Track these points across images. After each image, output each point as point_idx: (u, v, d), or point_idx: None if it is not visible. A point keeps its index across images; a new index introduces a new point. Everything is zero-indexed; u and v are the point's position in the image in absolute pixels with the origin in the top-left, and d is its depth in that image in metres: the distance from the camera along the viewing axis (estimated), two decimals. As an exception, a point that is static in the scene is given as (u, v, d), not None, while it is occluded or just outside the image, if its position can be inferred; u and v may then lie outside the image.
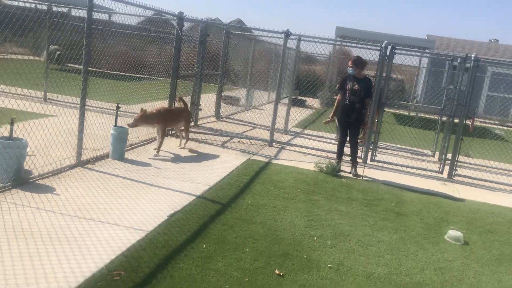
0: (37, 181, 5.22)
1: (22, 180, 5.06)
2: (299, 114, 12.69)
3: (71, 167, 5.86)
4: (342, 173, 7.66)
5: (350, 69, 7.62)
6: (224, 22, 29.58)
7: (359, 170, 7.85)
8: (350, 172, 7.72)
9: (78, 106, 6.15)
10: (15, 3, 13.38)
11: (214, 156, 7.67)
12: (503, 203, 7.25)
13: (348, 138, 7.77)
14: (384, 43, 8.40)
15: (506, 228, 6.06)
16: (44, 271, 3.35)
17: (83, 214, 4.47)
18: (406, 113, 17.95)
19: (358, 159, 7.89)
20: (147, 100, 9.48)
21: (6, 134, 5.19)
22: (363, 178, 7.62)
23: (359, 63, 7.63)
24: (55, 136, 6.23)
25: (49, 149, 6.01)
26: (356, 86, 7.54)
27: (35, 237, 3.86)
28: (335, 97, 18.48)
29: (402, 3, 78.63)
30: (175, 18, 8.41)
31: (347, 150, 7.88)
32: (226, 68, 11.55)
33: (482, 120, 20.07)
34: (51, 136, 6.03)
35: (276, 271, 3.93)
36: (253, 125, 11.38)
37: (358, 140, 8.11)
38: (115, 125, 6.64)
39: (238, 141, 9.10)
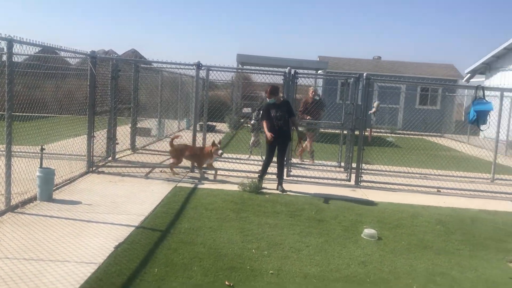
0: (-30, 231, 5.14)
1: (-46, 232, 4.96)
2: (212, 139, 13.16)
3: (1, 213, 5.80)
4: (264, 190, 8.27)
5: (270, 99, 8.33)
6: (118, 53, 29.48)
7: (275, 185, 8.51)
8: (277, 189, 8.35)
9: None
10: None
11: (141, 188, 7.89)
12: (404, 201, 8.31)
13: (275, 158, 8.47)
14: (287, 69, 9.25)
15: (410, 222, 7.02)
16: (10, 313, 3.47)
17: (31, 256, 4.55)
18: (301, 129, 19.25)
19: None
20: (66, 138, 9.43)
21: None
22: (283, 193, 8.29)
23: (276, 91, 8.40)
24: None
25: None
26: (279, 112, 8.26)
27: (-11, 283, 3.92)
28: (242, 120, 19.25)
29: (291, 25, 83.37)
30: (88, 57, 8.55)
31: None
32: (137, 100, 11.76)
33: (375, 130, 22.12)
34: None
35: (226, 282, 4.36)
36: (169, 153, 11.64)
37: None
38: (41, 167, 6.64)
39: (161, 171, 9.37)
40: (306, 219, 6.74)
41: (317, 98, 11.76)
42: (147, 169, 9.44)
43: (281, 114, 8.31)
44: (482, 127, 9.15)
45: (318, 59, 26.13)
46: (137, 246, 5.09)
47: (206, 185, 8.39)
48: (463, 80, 25.58)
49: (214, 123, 17.80)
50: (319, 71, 21.96)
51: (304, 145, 11.70)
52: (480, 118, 8.91)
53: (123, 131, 11.58)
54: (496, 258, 5.68)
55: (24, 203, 6.32)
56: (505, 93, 11.57)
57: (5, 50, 5.78)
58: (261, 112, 8.64)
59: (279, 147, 8.44)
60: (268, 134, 8.23)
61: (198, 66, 9.34)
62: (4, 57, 5.89)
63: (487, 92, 9.69)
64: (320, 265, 5.02)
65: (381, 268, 5.08)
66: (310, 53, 75.93)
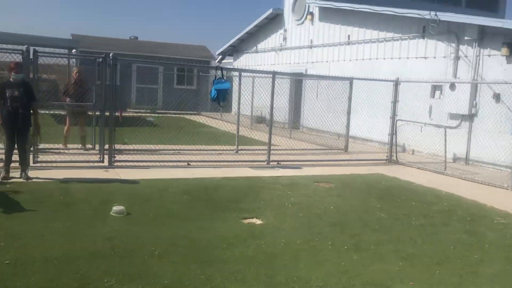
0: None
1: None
2: None
3: None
4: (11, 180, 7.59)
5: (16, 74, 7.54)
6: None
7: (16, 173, 7.91)
8: (20, 177, 7.72)
9: None
10: None
11: None
12: (156, 176, 8.73)
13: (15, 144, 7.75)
14: (25, 47, 8.55)
15: (159, 195, 7.44)
16: None
17: None
18: (63, 112, 18.16)
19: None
20: None
21: None
22: (28, 180, 7.75)
23: (20, 67, 7.67)
24: None
25: None
26: (16, 92, 7.53)
27: None
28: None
29: (42, 3, 76.24)
30: None
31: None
32: None
33: (136, 110, 22.25)
34: None
35: (-51, 283, 3.94)
36: None
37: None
38: None
39: None
40: (53, 205, 6.50)
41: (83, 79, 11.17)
42: None
43: (18, 95, 7.65)
44: (222, 104, 10.18)
45: (71, 37, 24.71)
46: None
47: None
48: (216, 62, 27.77)
49: None
50: (73, 51, 20.82)
51: (66, 129, 11.07)
52: (220, 95, 9.90)
53: None
54: (232, 217, 6.52)
55: None
56: (243, 74, 13.12)
57: None
58: None
59: (18, 132, 7.78)
60: None
61: None
62: None
63: (232, 73, 10.82)
64: (64, 247, 4.95)
65: (127, 240, 5.30)
66: (65, 32, 71.00)
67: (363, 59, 16.22)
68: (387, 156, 12.47)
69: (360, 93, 13.71)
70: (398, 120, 12.46)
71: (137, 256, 4.87)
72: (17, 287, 3.99)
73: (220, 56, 27.24)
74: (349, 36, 16.87)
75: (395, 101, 12.39)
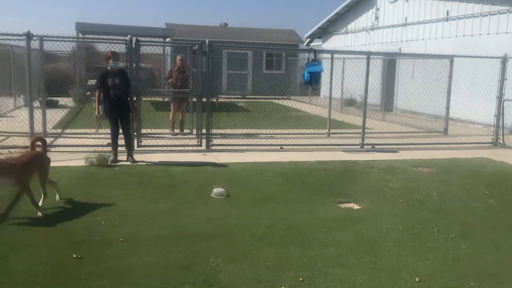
0: None
1: None
2: (55, 115, 12.41)
3: None
4: (119, 163, 8.12)
5: (114, 62, 8.01)
6: None
7: (123, 157, 8.40)
8: (127, 160, 8.22)
9: None
10: None
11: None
12: (252, 160, 8.87)
13: (120, 129, 8.26)
14: (129, 37, 9.02)
15: (256, 178, 7.56)
16: None
17: None
18: (160, 99, 19.06)
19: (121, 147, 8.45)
20: None
21: None
22: (134, 163, 8.23)
23: (116, 56, 8.12)
24: None
25: None
26: (117, 80, 7.99)
27: None
28: (88, 93, 18.35)
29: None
30: None
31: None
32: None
33: (227, 96, 22.77)
34: None
35: (74, 255, 4.30)
36: (5, 134, 10.68)
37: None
38: None
39: (-3, 152, 8.58)
40: (157, 187, 6.84)
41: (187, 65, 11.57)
42: (-20, 152, 8.57)
43: (118, 83, 8.05)
44: (315, 86, 10.05)
45: (165, 27, 25.72)
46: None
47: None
48: (304, 45, 27.50)
49: (56, 98, 16.62)
50: (167, 39, 21.70)
51: (171, 115, 11.60)
52: (313, 78, 9.78)
53: None
54: (329, 201, 6.44)
55: None
56: (335, 55, 12.82)
57: None
58: (96, 79, 8.27)
59: (121, 118, 8.25)
60: (96, 112, 8.17)
61: (29, 36, 8.61)
62: None
63: (322, 55, 10.65)
64: (170, 227, 5.19)
65: (228, 222, 5.44)
66: (157, 21, 74.19)
67: (463, 36, 15.15)
68: (492, 139, 11.61)
69: (460, 72, 12.86)
70: (506, 100, 11.51)
71: (238, 238, 4.98)
72: (133, 262, 4.25)
73: (308, 39, 26.90)
74: (447, 12, 15.82)
75: (502, 80, 11.45)
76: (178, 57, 11.71)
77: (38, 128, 10.13)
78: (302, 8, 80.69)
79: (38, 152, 5.83)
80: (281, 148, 10.15)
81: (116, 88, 8.00)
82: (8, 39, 12.85)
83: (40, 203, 5.47)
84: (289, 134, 11.73)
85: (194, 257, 4.41)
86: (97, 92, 8.14)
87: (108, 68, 8.10)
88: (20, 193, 5.24)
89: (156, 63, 22.66)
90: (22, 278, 3.84)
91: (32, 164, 5.51)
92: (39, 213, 5.34)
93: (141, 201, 6.08)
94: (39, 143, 5.93)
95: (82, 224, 5.15)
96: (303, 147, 10.34)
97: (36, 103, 15.17)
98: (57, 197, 5.91)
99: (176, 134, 11.50)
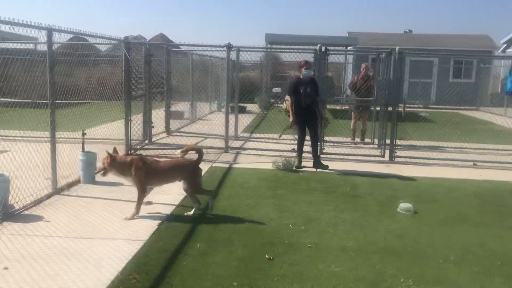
0: (22, 212, 5.46)
1: (8, 214, 5.28)
2: (243, 120, 13.36)
3: (49, 195, 6.11)
4: (303, 169, 8.36)
5: (307, 71, 8.32)
6: (147, 38, 29.87)
7: (307, 163, 8.56)
8: (313, 167, 8.41)
9: (28, 139, 6.39)
10: None
11: (178, 169, 8.09)
12: (440, 175, 8.27)
13: (307, 136, 8.50)
14: (318, 46, 9.22)
15: (446, 195, 7.01)
16: (68, 287, 3.72)
17: (80, 234, 4.82)
18: (339, 107, 19.13)
19: (306, 154, 8.64)
20: (103, 123, 9.76)
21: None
22: (317, 170, 8.36)
23: (310, 65, 8.40)
24: (20, 169, 6.39)
25: (23, 182, 6.20)
26: (309, 89, 8.25)
27: (45, 259, 4.19)
28: (272, 100, 19.30)
29: (320, 2, 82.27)
30: (122, 43, 8.75)
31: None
32: (170, 84, 11.98)
33: (408, 105, 21.77)
34: (16, 170, 6.21)
35: (266, 256, 4.51)
36: (203, 135, 11.87)
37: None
38: (83, 151, 6.93)
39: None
40: (341, 195, 6.81)
41: (370, 74, 11.51)
42: (183, 151, 9.65)
43: (310, 92, 8.26)
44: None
45: (347, 35, 25.74)
46: (178, 223, 5.30)
47: (241, 165, 8.54)
48: (499, 51, 24.84)
49: (244, 104, 17.92)
50: (349, 47, 21.69)
51: (352, 123, 11.65)
52: (517, 88, 8.70)
53: (158, 115, 11.85)
54: (536, 230, 5.62)
55: (69, 185, 6.63)
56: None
57: (45, 39, 6.00)
58: (288, 87, 8.57)
59: (309, 125, 8.44)
60: (291, 118, 8.37)
61: (229, 47, 9.43)
62: (41, 47, 6.12)
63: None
64: (356, 239, 5.11)
65: (418, 240, 5.13)
66: (339, 30, 74.79)
67: None
68: None
69: None
70: None
71: (430, 258, 4.65)
72: (321, 270, 4.28)
73: (505, 45, 24.21)
74: None
75: None
76: (363, 65, 11.58)
77: (231, 132, 11.03)
78: (497, 12, 73.00)
79: (185, 161, 5.85)
80: (474, 164, 9.25)
81: (307, 96, 8.23)
82: (207, 50, 14.32)
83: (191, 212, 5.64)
84: (483, 149, 10.63)
85: (382, 274, 4.25)
86: (290, 99, 8.43)
87: (300, 76, 8.36)
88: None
89: (334, 71, 22.88)
90: (220, 270, 4.16)
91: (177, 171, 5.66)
92: (188, 213, 5.59)
93: (326, 209, 6.12)
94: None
95: (271, 225, 5.39)
96: (501, 164, 9.27)
97: (224, 109, 16.55)
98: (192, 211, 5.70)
99: (357, 143, 11.37)
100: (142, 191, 5.47)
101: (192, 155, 5.91)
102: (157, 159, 6.00)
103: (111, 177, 5.96)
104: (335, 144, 10.88)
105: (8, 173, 5.56)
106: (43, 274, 3.92)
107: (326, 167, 8.38)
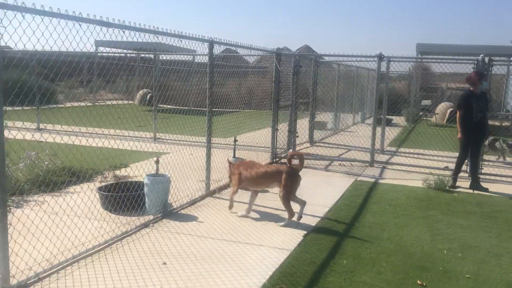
0: (179, 211, 5.88)
1: (168, 212, 5.72)
2: (389, 133, 12.81)
3: (202, 197, 6.51)
4: (458, 189, 7.71)
5: (484, 83, 7.69)
6: (292, 50, 30.58)
7: (461, 183, 7.83)
8: (470, 188, 7.70)
9: (185, 143, 6.81)
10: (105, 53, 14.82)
11: (323, 180, 8.04)
12: None
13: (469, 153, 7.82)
14: (481, 56, 8.44)
15: None
16: None
17: (230, 238, 5.01)
18: (497, 123, 17.33)
19: (461, 173, 7.91)
20: (251, 131, 10.14)
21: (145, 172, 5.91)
22: (474, 191, 7.62)
23: (483, 77, 7.74)
24: (178, 170, 6.91)
25: (179, 183, 6.71)
26: (481, 103, 7.57)
27: (198, 259, 4.43)
28: (421, 113, 18.29)
29: (480, 10, 76.05)
30: (274, 54, 9.02)
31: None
32: (316, 95, 12.02)
33: None
34: (174, 171, 6.72)
35: (418, 282, 4.18)
36: (347, 147, 11.66)
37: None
38: (234, 157, 7.25)
39: (339, 164, 9.43)
40: (504, 222, 6.09)
41: None
42: (326, 162, 9.59)
43: (482, 106, 7.55)
44: None
45: (511, 44, 23.29)
46: (323, 236, 5.22)
47: (387, 180, 8.17)
48: None
49: (390, 117, 17.23)
50: (512, 58, 19.58)
51: None
52: None
53: (301, 125, 11.97)
54: None
55: (221, 189, 6.98)
56: None
57: (207, 51, 6.43)
58: (459, 100, 7.90)
59: (475, 142, 7.70)
60: (459, 134, 7.67)
61: (380, 57, 9.12)
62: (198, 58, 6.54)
63: None
64: (525, 274, 4.49)
65: None
66: (502, 38, 68.33)
67: None
68: None
69: None
70: None
71: None
72: (482, 305, 3.84)
73: None
74: None
75: None
76: None
77: (377, 145, 10.66)
78: None
79: (283, 167, 5.84)
80: None
81: (480, 111, 7.55)
82: (354, 61, 14.10)
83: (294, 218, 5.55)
84: None
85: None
86: (458, 113, 7.79)
87: (471, 89, 7.69)
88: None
89: (493, 83, 20.80)
90: (368, 291, 3.97)
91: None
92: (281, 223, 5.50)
93: (485, 236, 5.51)
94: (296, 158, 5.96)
95: (423, 249, 5.01)
96: None
97: (369, 121, 16.12)
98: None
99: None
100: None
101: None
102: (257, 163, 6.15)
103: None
104: (495, 164, 9.84)
105: (169, 173, 6.03)
106: (197, 273, 4.14)
107: (485, 189, 7.59)
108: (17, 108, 5.12)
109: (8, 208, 3.90)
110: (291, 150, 9.47)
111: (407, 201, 6.84)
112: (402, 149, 11.63)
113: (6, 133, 3.49)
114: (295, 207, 5.61)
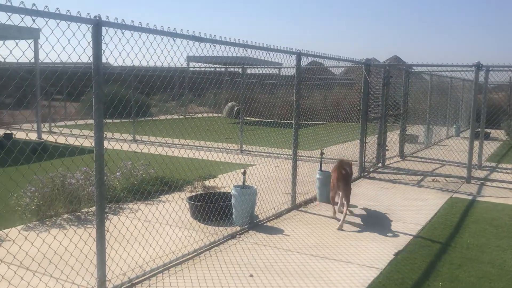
0: (265, 224, 5.88)
1: (254, 223, 5.74)
2: (487, 148, 11.93)
3: (288, 210, 6.46)
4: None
5: None
6: (380, 60, 29.71)
7: None
8: None
9: (270, 155, 6.78)
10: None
11: (414, 196, 7.65)
12: None
13: None
14: None
15: None
16: (304, 303, 3.78)
17: (316, 253, 4.90)
18: None
19: None
20: (337, 143, 9.96)
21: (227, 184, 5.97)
22: None
23: None
24: (264, 182, 6.92)
25: (265, 195, 6.71)
26: None
27: (285, 273, 4.37)
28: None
29: None
30: (363, 65, 8.80)
31: None
32: (407, 106, 11.53)
33: None
34: (260, 183, 6.73)
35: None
36: (440, 162, 11.03)
37: None
38: (320, 170, 7.13)
39: (433, 180, 8.92)
40: None
41: None
42: (418, 177, 9.12)
43: None
44: None
45: None
46: (416, 256, 4.92)
47: (487, 198, 7.57)
48: None
49: (488, 130, 16.07)
50: None
51: None
52: None
53: (391, 138, 11.54)
54: None
55: (306, 202, 6.89)
56: None
57: (295, 63, 6.41)
58: None
59: None
60: None
61: (478, 67, 8.53)
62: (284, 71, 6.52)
63: None
64: None
65: None
66: None
67: None
68: None
69: None
70: None
71: None
72: None
73: None
74: None
75: None
76: None
77: (474, 160, 9.96)
78: None
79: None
80: None
81: None
82: (447, 71, 13.39)
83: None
84: None
85: None
86: None
87: None
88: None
89: None
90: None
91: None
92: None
93: None
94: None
95: (531, 275, 4.55)
96: None
97: (464, 134, 15.18)
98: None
99: None
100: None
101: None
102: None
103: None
104: None
105: (255, 185, 6.06)
106: (283, 287, 4.07)
107: None
108: (116, 120, 5.43)
109: (105, 215, 4.12)
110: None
111: (510, 222, 6.28)
112: (502, 165, 10.76)
113: (105, 143, 3.69)
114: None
